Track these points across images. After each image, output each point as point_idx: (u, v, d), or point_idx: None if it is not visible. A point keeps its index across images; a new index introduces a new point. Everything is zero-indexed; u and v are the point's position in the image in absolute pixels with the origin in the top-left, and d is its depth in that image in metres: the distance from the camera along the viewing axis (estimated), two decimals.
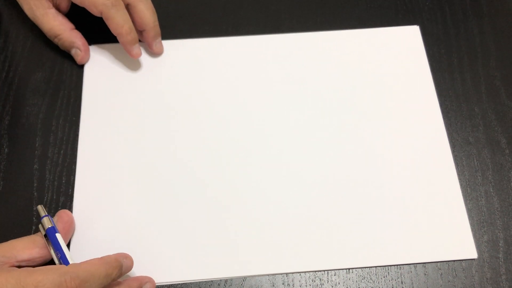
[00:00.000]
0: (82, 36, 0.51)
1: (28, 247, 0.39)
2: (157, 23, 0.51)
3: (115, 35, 0.49)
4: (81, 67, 0.52)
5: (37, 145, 0.47)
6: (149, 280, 0.41)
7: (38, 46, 0.53)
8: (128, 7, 0.49)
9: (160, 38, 0.52)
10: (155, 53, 0.52)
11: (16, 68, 0.52)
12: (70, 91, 0.50)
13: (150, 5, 0.50)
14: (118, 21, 0.48)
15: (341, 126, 0.49)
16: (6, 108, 0.49)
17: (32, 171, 0.46)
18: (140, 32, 0.51)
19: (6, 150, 0.47)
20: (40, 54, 0.53)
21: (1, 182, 0.45)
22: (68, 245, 0.42)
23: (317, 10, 0.56)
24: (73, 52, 0.51)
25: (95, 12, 0.48)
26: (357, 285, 0.42)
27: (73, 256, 0.42)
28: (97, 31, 0.52)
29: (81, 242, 0.43)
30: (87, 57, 0.51)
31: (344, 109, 0.50)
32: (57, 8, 0.51)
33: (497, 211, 0.45)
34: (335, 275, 0.42)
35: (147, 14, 0.50)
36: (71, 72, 0.52)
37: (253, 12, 0.56)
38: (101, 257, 0.38)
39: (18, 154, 0.47)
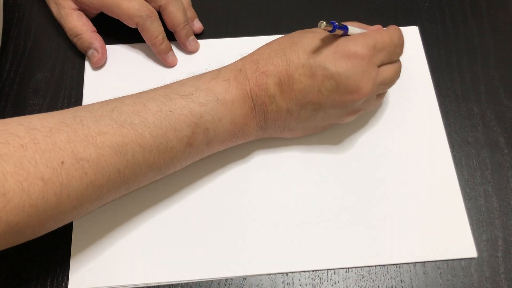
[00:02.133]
0: (102, 40, 0.52)
1: None
2: (187, 23, 0.52)
3: (150, 45, 0.51)
4: (81, 67, 0.52)
5: None
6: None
7: (39, 47, 0.53)
8: (159, 9, 0.51)
9: (193, 36, 0.53)
10: (190, 51, 0.53)
11: (17, 68, 0.52)
12: (71, 91, 0.51)
13: (180, 6, 0.51)
14: (153, 32, 0.50)
15: (340, 125, 0.49)
16: (7, 109, 0.49)
17: None
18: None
19: None
20: (41, 55, 0.53)
21: None
22: (69, 243, 0.43)
23: (316, 11, 0.56)
24: (90, 53, 0.51)
25: (130, 24, 0.50)
26: (357, 284, 0.42)
27: (73, 254, 0.42)
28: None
29: (82, 242, 0.43)
30: (103, 60, 0.52)
31: None
32: (84, 13, 0.52)
33: (496, 210, 0.45)
34: (334, 274, 0.42)
35: (178, 15, 0.51)
36: (72, 73, 0.52)
37: (252, 13, 0.56)
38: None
39: None
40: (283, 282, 0.42)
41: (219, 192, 0.45)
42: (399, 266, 0.43)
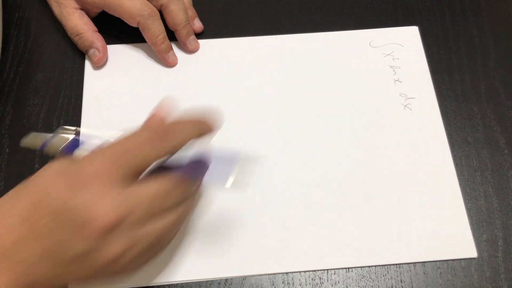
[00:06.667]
0: (103, 39, 0.52)
1: None
2: (188, 22, 0.52)
3: (150, 44, 0.51)
4: (81, 67, 0.52)
5: None
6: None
7: (39, 47, 0.53)
8: (161, 8, 0.51)
9: (193, 36, 0.53)
10: (190, 51, 0.53)
11: (17, 68, 0.52)
12: (71, 91, 0.51)
13: (182, 5, 0.51)
14: (154, 31, 0.50)
15: (340, 126, 0.49)
16: (7, 108, 0.49)
17: (33, 171, 0.46)
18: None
19: (7, 150, 0.47)
20: (41, 54, 0.53)
21: (2, 182, 0.45)
22: None
23: (316, 11, 0.56)
24: (91, 52, 0.51)
25: (132, 22, 0.50)
26: (357, 284, 0.42)
27: None
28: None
29: None
30: (104, 59, 0.52)
31: (344, 109, 0.50)
32: (85, 12, 0.52)
33: (496, 210, 0.45)
34: (334, 274, 0.42)
35: (179, 15, 0.51)
36: (72, 72, 0.52)
37: (252, 13, 0.56)
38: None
39: (19, 154, 0.47)
40: (283, 282, 0.42)
41: (219, 192, 0.45)
42: (399, 266, 0.43)
